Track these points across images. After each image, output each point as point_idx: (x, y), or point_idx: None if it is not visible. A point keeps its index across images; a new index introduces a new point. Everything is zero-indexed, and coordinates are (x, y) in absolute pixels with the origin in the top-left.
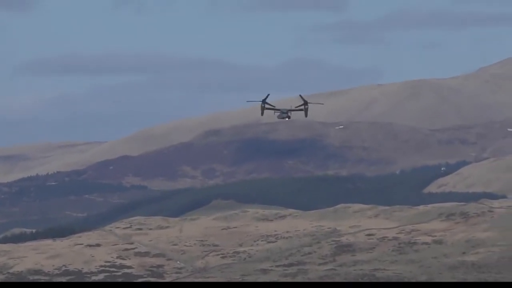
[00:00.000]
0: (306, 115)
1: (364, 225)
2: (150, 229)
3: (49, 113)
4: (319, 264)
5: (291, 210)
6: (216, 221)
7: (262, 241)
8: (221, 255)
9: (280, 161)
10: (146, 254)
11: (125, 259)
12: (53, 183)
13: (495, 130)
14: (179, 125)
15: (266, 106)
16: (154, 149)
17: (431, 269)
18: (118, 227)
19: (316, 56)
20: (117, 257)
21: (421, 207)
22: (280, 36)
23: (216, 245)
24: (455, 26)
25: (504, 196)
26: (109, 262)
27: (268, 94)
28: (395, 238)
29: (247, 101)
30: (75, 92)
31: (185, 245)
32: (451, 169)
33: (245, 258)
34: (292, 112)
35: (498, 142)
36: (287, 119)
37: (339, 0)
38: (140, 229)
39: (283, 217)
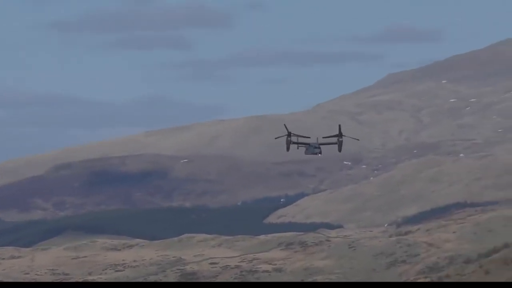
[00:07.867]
0: (340, 149)
1: (207, 254)
2: (3, 259)
3: None
4: None
5: (138, 240)
6: (66, 251)
7: (110, 269)
8: None
9: (128, 193)
10: None
11: None
12: None
13: (332, 163)
14: (31, 159)
15: (293, 140)
16: (7, 182)
17: None
18: None
19: (162, 93)
20: None
21: (262, 237)
22: (129, 73)
23: (67, 274)
24: (295, 64)
25: (340, 226)
26: None
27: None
28: (237, 266)
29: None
30: None
31: (36, 274)
32: (290, 200)
33: None
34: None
35: (335, 174)
36: (319, 154)
37: (186, 40)
38: None
39: (130, 246)
